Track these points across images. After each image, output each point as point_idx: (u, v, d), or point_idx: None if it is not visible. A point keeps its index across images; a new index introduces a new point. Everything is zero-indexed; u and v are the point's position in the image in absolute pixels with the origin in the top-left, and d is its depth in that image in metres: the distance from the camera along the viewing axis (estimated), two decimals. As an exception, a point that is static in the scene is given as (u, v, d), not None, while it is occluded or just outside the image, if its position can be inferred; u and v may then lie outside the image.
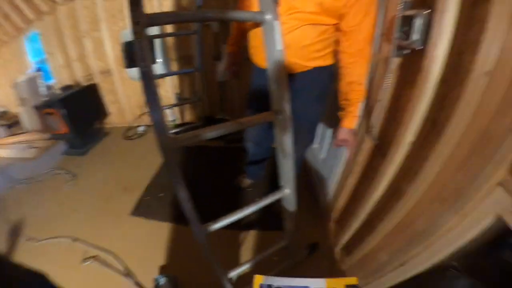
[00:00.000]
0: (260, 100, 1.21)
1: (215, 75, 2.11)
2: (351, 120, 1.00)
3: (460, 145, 0.62)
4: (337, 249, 1.36)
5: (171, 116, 2.43)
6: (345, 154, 1.25)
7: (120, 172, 2.10)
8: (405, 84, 0.86)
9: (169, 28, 2.17)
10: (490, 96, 0.55)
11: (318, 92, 1.14)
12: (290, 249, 1.25)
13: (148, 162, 2.12)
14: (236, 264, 1.13)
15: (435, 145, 0.70)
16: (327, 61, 1.05)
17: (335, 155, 1.41)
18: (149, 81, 0.61)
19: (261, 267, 1.22)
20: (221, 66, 2.02)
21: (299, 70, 1.05)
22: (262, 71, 1.10)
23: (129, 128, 2.60)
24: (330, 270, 1.29)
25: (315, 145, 1.77)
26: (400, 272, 0.82)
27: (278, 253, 1.31)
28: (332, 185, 1.46)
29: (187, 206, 0.82)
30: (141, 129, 2.54)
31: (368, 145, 1.09)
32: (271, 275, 0.69)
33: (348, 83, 0.97)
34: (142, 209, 1.73)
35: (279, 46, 0.76)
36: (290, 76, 0.99)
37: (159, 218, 1.65)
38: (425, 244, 0.72)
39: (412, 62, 0.79)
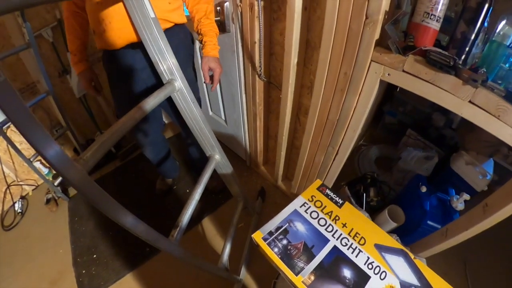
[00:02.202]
0: (133, 88, 1.09)
1: (71, 92, 1.64)
2: (211, 49, 1.07)
3: (334, 46, 0.80)
4: (280, 183, 1.56)
5: (44, 168, 1.78)
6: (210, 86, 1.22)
7: (30, 269, 1.48)
8: (273, 21, 1.00)
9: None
10: (345, 5, 0.72)
11: (187, 51, 1.14)
12: (249, 206, 1.32)
13: (54, 237, 1.60)
14: (217, 253, 1.11)
15: (315, 56, 0.87)
16: (182, 18, 1.06)
17: (233, 110, 1.49)
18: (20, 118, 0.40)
19: (238, 240, 1.27)
20: (74, 79, 1.59)
21: (162, 28, 1.00)
22: (125, 52, 1.00)
23: (3, 216, 1.74)
24: (287, 200, 1.48)
25: (210, 113, 1.78)
26: (338, 161, 1.05)
27: (240, 219, 1.37)
28: (245, 136, 1.57)
29: (141, 228, 0.64)
30: (18, 206, 1.74)
31: (261, 85, 1.22)
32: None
33: (198, 20, 1.05)
34: (90, 287, 1.36)
35: (151, 13, 0.68)
36: None
37: (113, 278, 1.36)
38: (343, 128, 0.94)
39: (275, 1, 0.93)
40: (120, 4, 0.87)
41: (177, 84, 0.81)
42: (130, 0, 0.66)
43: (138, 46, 0.96)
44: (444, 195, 1.20)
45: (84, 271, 1.41)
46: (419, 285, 0.67)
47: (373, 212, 1.24)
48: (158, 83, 1.05)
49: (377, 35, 0.72)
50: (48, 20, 1.48)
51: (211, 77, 1.09)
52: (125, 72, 1.05)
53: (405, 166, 1.38)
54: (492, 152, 1.32)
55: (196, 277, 1.28)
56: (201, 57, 1.11)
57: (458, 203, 1.15)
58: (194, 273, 1.28)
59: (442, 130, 1.49)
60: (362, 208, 1.18)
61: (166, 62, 0.77)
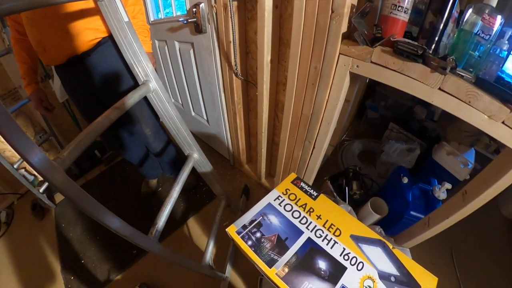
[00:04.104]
0: (81, 96, 1.17)
1: (54, 97, 1.63)
2: (143, 44, 1.10)
3: (303, 41, 0.81)
4: (263, 180, 1.56)
5: (29, 176, 1.76)
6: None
7: (18, 279, 1.46)
8: (248, 20, 1.01)
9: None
10: (312, 0, 0.73)
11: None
12: (232, 204, 1.32)
13: (41, 245, 1.58)
14: (201, 252, 1.11)
15: (288, 53, 0.88)
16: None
17: (214, 109, 1.50)
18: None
19: (223, 239, 1.26)
20: (57, 84, 1.58)
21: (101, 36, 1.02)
22: (67, 66, 1.03)
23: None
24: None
25: (193, 113, 1.78)
26: (316, 154, 1.06)
27: (224, 218, 1.37)
28: (227, 135, 1.57)
29: (117, 224, 0.64)
30: (3, 216, 1.73)
31: (238, 83, 1.23)
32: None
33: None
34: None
35: (125, 17, 0.68)
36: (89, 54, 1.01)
37: (101, 282, 1.36)
38: (318, 122, 0.95)
39: (248, 0, 0.94)
40: (54, 23, 0.91)
41: (151, 85, 0.82)
42: (105, 5, 0.68)
43: (79, 58, 1.01)
44: (426, 186, 1.21)
45: (72, 277, 1.40)
46: (398, 274, 0.66)
47: (357, 205, 1.24)
48: (102, 91, 1.11)
49: (344, 28, 0.72)
50: (28, 25, 1.47)
51: None
52: (71, 83, 1.13)
53: (388, 159, 1.40)
54: (473, 142, 1.34)
55: (184, 278, 1.27)
56: None
57: (440, 193, 1.16)
58: (182, 275, 1.28)
59: (424, 122, 1.51)
60: (345, 202, 1.18)
61: (141, 64, 0.79)
